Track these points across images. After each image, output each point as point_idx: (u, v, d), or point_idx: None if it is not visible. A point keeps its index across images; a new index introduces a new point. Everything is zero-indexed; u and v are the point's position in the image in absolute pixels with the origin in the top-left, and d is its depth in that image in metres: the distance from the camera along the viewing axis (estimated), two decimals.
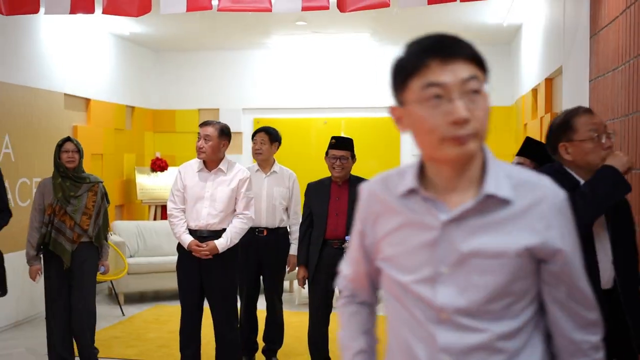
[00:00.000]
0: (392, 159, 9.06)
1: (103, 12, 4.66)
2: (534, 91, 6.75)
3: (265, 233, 5.16)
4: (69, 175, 4.88)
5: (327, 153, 4.69)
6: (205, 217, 4.51)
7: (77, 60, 7.59)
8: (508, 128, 8.70)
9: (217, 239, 4.48)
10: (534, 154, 3.48)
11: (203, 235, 4.52)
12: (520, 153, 3.59)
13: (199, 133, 4.57)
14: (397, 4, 4.47)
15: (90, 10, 4.70)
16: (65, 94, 7.33)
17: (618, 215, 2.65)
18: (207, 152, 4.51)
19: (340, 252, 4.39)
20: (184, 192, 4.60)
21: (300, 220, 5.05)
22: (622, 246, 2.63)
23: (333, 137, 4.75)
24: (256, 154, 5.39)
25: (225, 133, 4.60)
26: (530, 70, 7.12)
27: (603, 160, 2.57)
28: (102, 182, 5.06)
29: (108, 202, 5.10)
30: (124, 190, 8.71)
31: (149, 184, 8.69)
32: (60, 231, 4.80)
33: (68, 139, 4.94)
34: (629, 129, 3.32)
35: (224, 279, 4.56)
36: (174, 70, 9.58)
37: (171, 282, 7.56)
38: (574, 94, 4.67)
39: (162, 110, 9.62)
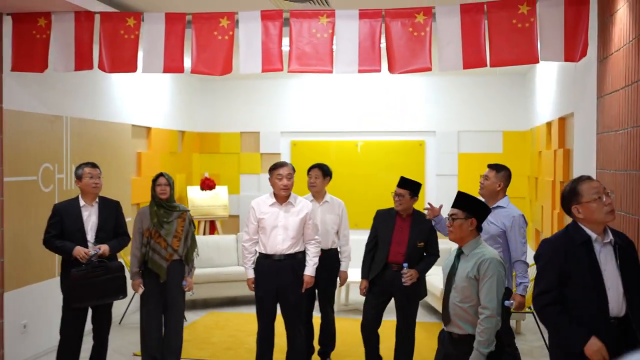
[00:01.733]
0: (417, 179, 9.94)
1: (192, 72, 5.60)
2: (548, 125, 7.64)
3: (320, 254, 6.07)
4: (162, 204, 5.85)
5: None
6: (281, 242, 5.49)
7: (140, 95, 8.55)
8: (524, 151, 9.60)
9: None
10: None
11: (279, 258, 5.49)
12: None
13: (279, 173, 5.49)
14: (436, 68, 5.38)
15: (180, 70, 5.64)
16: (132, 125, 8.30)
17: (626, 254, 3.45)
18: (289, 188, 5.53)
19: (397, 275, 5.36)
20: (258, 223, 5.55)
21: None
22: (631, 279, 3.40)
23: (402, 177, 5.66)
24: (311, 186, 6.24)
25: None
26: (544, 103, 8.01)
27: (607, 215, 3.44)
28: (189, 211, 6.02)
29: (194, 226, 6.06)
30: None
31: (199, 201, 9.64)
32: (156, 251, 5.77)
33: (161, 175, 5.92)
34: (627, 182, 4.22)
35: (299, 296, 5.53)
36: (219, 97, 10.53)
37: (221, 291, 8.56)
38: (583, 143, 5.58)
39: (208, 133, 10.58)
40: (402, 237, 5.52)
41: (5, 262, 5.90)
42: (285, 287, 5.49)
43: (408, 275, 5.36)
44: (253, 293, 5.65)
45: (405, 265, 5.36)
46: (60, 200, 6.65)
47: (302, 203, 5.63)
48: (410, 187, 5.56)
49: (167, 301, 5.88)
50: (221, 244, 9.01)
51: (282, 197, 5.54)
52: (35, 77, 6.08)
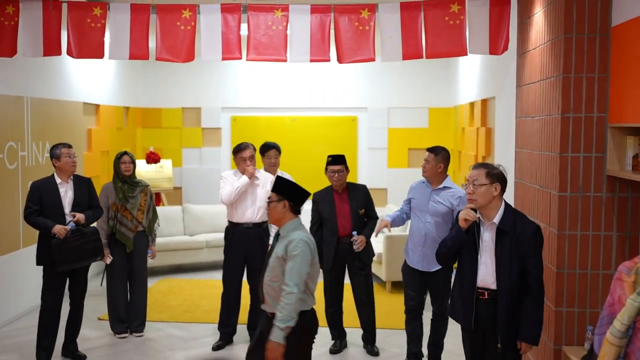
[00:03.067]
0: (350, 153, 10.67)
1: (156, 59, 6.09)
2: (472, 104, 8.50)
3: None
4: (126, 180, 6.38)
5: (326, 168, 6.06)
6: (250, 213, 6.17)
7: (89, 73, 8.88)
8: (448, 126, 10.49)
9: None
10: (280, 189, 4.13)
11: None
12: (272, 189, 4.19)
13: (243, 156, 6.12)
14: (379, 59, 6.07)
15: (145, 57, 6.11)
16: (83, 103, 8.66)
17: (509, 238, 3.88)
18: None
19: (348, 247, 5.91)
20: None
21: None
22: (504, 260, 3.88)
23: (329, 156, 6.11)
24: (272, 166, 6.72)
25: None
26: (467, 85, 8.86)
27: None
28: (149, 186, 6.56)
29: (154, 200, 6.60)
30: None
31: (144, 174, 10.06)
32: (123, 223, 6.30)
33: (125, 153, 6.43)
34: (541, 161, 5.06)
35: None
36: (162, 74, 10.90)
37: (170, 259, 9.13)
38: (504, 124, 6.43)
39: (150, 109, 10.97)
40: (344, 210, 5.99)
41: None
42: (253, 254, 6.12)
43: (359, 242, 5.83)
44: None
45: (354, 233, 5.92)
46: (23, 177, 7.06)
47: (265, 176, 6.31)
48: (344, 161, 6.06)
49: (133, 269, 6.45)
50: (168, 214, 9.53)
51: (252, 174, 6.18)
52: (6, 60, 6.39)
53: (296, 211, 4.12)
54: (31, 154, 7.25)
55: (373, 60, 6.02)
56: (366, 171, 10.85)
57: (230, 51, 6.08)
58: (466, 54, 5.91)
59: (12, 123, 6.91)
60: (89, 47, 6.11)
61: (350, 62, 6.07)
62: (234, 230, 6.19)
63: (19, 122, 7.05)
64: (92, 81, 8.96)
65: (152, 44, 6.18)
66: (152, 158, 10.16)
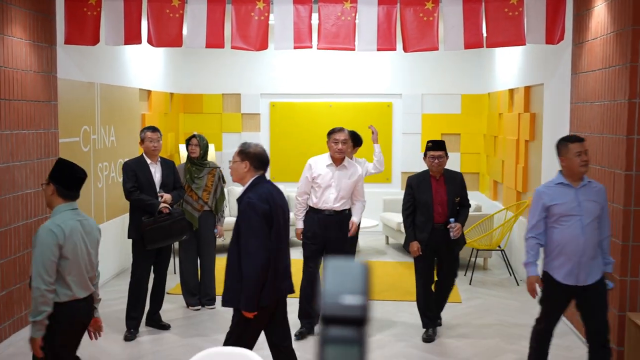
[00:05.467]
0: (385, 138, 11.07)
1: (232, 47, 6.47)
2: (511, 91, 8.90)
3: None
4: (194, 162, 6.77)
5: (425, 154, 5.95)
6: (332, 201, 5.93)
7: (142, 60, 9.25)
8: (480, 112, 10.89)
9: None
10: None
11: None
12: None
13: (335, 138, 5.94)
14: (442, 48, 6.46)
15: (221, 45, 6.50)
16: (139, 89, 9.04)
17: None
18: (344, 152, 5.98)
19: (443, 233, 5.86)
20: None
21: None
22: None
23: (430, 141, 5.97)
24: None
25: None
26: (505, 73, 9.25)
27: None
28: (219, 168, 6.95)
29: (224, 182, 7.00)
30: None
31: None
32: (188, 203, 6.70)
33: (193, 136, 6.82)
34: (602, 143, 5.48)
35: (344, 250, 6.18)
36: (203, 61, 11.26)
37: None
38: (555, 110, 6.83)
39: (192, 95, 11.35)
40: (441, 197, 5.89)
41: None
42: (332, 240, 5.95)
43: (456, 229, 5.78)
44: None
45: (452, 220, 5.82)
46: (95, 159, 7.45)
47: (355, 167, 6.09)
48: (445, 147, 5.93)
49: (201, 246, 6.84)
50: None
51: (338, 159, 5.99)
52: (75, 47, 6.74)
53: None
54: (100, 138, 7.64)
55: (437, 49, 6.41)
56: (400, 156, 11.26)
57: (301, 40, 6.46)
58: (524, 44, 6.31)
59: (85, 108, 7.30)
60: (167, 35, 6.49)
61: (415, 51, 6.46)
62: (314, 216, 6.01)
63: (90, 107, 7.43)
64: (144, 68, 9.33)
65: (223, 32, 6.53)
66: None
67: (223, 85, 11.34)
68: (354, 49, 6.49)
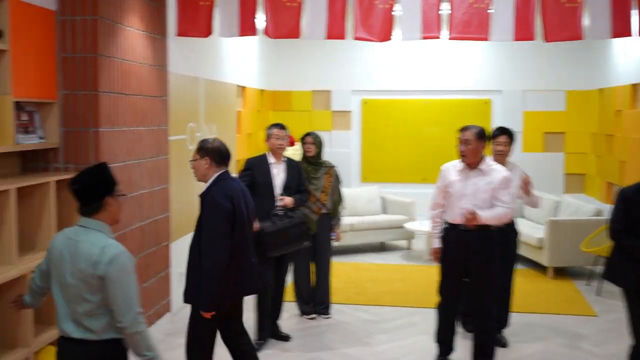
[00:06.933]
0: None
1: (354, 38, 6.01)
2: (634, 86, 8.21)
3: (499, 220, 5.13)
4: (310, 161, 6.33)
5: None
6: None
7: (237, 55, 8.87)
8: (588, 109, 10.21)
9: None
10: None
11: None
12: None
13: (459, 138, 5.01)
14: (586, 36, 5.87)
15: (342, 37, 6.03)
16: (236, 85, 8.67)
17: None
18: (467, 155, 4.96)
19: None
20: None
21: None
22: None
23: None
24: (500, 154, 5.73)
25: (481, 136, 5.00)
26: (627, 65, 8.56)
27: None
28: (335, 167, 6.49)
29: (340, 181, 6.54)
30: None
31: None
32: (306, 205, 6.24)
33: (308, 134, 6.38)
34: None
35: (489, 272, 5.14)
36: (292, 57, 10.87)
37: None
38: None
39: (281, 92, 10.95)
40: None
41: (170, 216, 6.32)
42: (473, 261, 5.00)
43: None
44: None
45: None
46: None
47: (496, 171, 5.01)
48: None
49: (317, 251, 6.39)
50: None
51: (471, 162, 5.01)
52: (181, 39, 6.36)
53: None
54: (204, 135, 7.27)
55: (580, 38, 5.83)
56: None
57: (429, 30, 5.96)
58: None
59: (191, 104, 6.94)
60: (285, 26, 6.06)
61: (556, 41, 5.89)
62: (450, 233, 5.11)
63: (195, 103, 7.07)
64: (239, 64, 8.96)
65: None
66: (289, 141, 10.12)
67: (313, 82, 10.93)
68: (487, 39, 5.95)
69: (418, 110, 10.78)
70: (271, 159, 5.73)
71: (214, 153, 4.19)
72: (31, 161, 4.93)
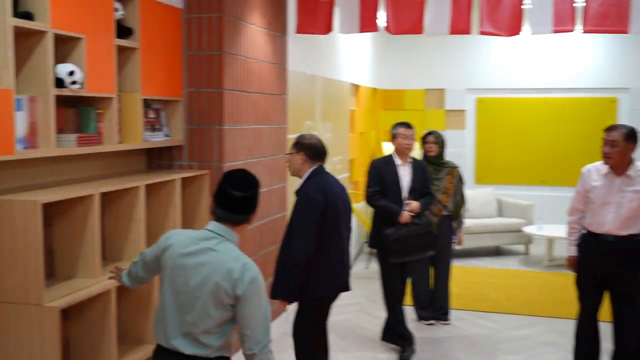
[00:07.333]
0: None
1: (480, 33, 5.75)
2: None
3: None
4: (431, 161, 6.10)
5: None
6: (611, 222, 4.48)
7: (350, 53, 8.75)
8: None
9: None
10: None
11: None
12: None
13: (604, 138, 4.47)
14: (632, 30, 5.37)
15: (466, 31, 5.78)
16: (350, 84, 8.55)
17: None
18: (613, 157, 4.43)
19: None
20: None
21: None
22: None
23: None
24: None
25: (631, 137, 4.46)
26: None
27: None
28: (458, 167, 6.24)
29: (464, 183, 6.28)
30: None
31: None
32: None
33: (430, 133, 6.15)
34: None
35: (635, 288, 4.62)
36: (404, 54, 10.66)
37: None
38: None
39: (392, 90, 10.76)
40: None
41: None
42: (615, 278, 4.54)
43: None
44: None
45: None
46: None
47: None
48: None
49: (437, 255, 6.14)
50: None
51: (617, 166, 4.49)
52: (299, 37, 6.28)
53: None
54: (320, 133, 7.19)
55: (625, 32, 5.37)
56: None
57: (562, 23, 5.61)
58: None
59: (308, 102, 6.87)
60: (407, 22, 5.88)
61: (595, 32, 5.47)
62: (589, 242, 4.64)
63: (312, 101, 7.00)
64: (353, 62, 8.84)
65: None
66: None
67: (426, 80, 10.66)
68: (626, 32, 5.54)
69: (537, 109, 10.30)
70: (397, 160, 5.50)
71: (309, 149, 4.17)
72: (156, 158, 4.98)
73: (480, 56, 10.45)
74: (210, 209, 2.91)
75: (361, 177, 9.18)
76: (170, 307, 2.81)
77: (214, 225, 2.86)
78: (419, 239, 5.37)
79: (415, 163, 5.56)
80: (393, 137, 5.55)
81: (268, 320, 2.78)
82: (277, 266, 4.19)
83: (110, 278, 3.40)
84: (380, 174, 5.41)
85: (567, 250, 4.86)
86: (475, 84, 10.50)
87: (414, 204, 5.37)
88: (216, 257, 2.76)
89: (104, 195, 3.91)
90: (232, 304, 2.74)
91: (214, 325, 2.77)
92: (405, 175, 5.47)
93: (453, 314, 6.40)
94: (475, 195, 9.51)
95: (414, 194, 5.45)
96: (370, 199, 5.44)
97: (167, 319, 2.81)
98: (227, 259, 2.75)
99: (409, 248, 5.33)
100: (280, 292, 4.10)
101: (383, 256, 5.42)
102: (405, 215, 5.30)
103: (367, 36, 9.63)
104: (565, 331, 5.97)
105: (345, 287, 4.32)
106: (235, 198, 2.82)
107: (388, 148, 9.81)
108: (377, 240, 5.46)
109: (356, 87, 9.03)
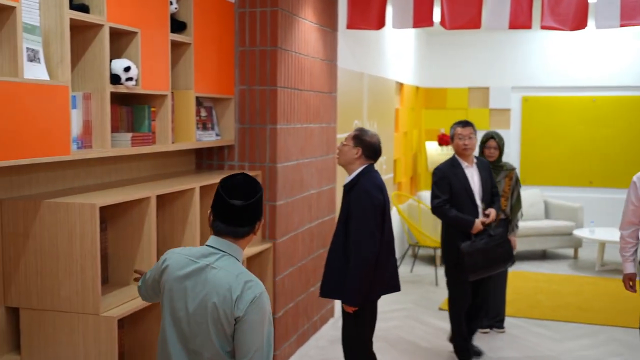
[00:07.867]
0: None
1: (541, 27, 5.48)
2: None
3: None
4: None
5: None
6: None
7: (395, 50, 8.51)
8: None
9: None
10: None
11: None
12: None
13: None
14: None
15: (528, 25, 5.51)
16: (395, 82, 8.30)
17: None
18: None
19: None
20: None
21: None
22: None
23: None
24: None
25: None
26: None
27: None
28: (515, 169, 5.95)
29: (520, 185, 5.99)
30: (413, 163, 9.70)
31: (437, 157, 9.59)
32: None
33: (491, 137, 5.77)
34: None
35: None
36: (447, 52, 10.38)
37: None
38: None
39: (434, 89, 10.49)
40: None
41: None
42: None
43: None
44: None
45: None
46: None
47: None
48: None
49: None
50: None
51: None
52: (348, 33, 6.07)
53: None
54: None
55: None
56: None
57: (629, 16, 5.32)
58: None
59: (356, 100, 6.65)
60: (464, 16, 5.62)
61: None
62: None
63: (360, 100, 6.78)
64: (398, 59, 8.59)
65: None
66: (445, 140, 9.66)
67: (469, 79, 10.37)
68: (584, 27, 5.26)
69: (585, 108, 9.96)
70: (463, 163, 5.09)
71: (368, 147, 3.99)
72: (206, 158, 4.80)
73: (525, 53, 10.13)
74: (209, 222, 2.50)
75: (404, 178, 8.94)
76: (170, 337, 2.44)
77: (213, 239, 2.47)
78: (496, 250, 4.99)
79: (479, 163, 5.18)
80: (451, 139, 5.24)
81: (270, 349, 2.39)
82: (331, 267, 4.00)
83: (135, 279, 2.99)
84: (448, 180, 4.99)
85: (622, 267, 4.37)
86: (521, 82, 10.19)
87: (492, 212, 5.00)
88: (215, 276, 2.38)
89: (158, 197, 3.73)
90: (233, 334, 2.36)
91: (217, 352, 2.38)
92: (474, 178, 5.08)
93: (507, 321, 6.13)
94: (522, 196, 9.18)
95: (484, 196, 5.09)
96: (438, 210, 5.00)
97: (170, 350, 2.45)
98: (228, 276, 2.37)
99: (486, 262, 4.94)
100: (353, 297, 3.88)
101: (456, 271, 5.07)
102: (478, 224, 4.89)
103: (410, 32, 9.38)
104: (628, 341, 5.69)
105: (397, 287, 4.16)
106: (236, 209, 2.41)
107: (431, 148, 9.59)
108: (451, 255, 5.04)
109: (400, 86, 8.79)
